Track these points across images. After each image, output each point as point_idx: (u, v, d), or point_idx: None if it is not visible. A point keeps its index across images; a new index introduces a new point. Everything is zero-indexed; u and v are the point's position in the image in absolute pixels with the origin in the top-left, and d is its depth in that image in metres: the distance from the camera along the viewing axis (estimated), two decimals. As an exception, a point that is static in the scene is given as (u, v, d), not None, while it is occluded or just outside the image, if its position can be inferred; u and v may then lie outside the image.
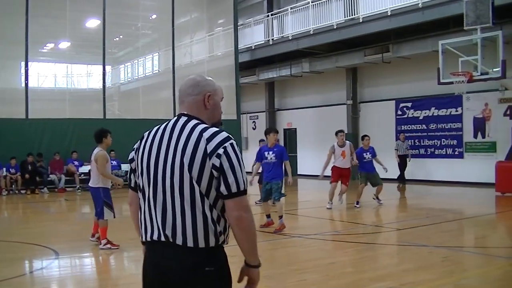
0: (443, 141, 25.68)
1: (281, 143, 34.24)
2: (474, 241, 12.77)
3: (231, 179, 3.25)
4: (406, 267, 9.29)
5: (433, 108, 26.43)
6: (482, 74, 19.00)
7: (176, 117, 3.59)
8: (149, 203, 3.44)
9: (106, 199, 11.76)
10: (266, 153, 13.35)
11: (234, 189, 3.26)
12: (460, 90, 19.83)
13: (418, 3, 22.93)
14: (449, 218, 15.50)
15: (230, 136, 3.40)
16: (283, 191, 13.70)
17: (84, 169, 24.03)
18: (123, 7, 30.11)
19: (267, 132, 13.73)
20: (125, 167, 27.24)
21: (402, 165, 25.29)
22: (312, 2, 28.47)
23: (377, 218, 15.56)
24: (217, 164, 3.25)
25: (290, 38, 29.78)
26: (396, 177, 25.04)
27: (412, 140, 27.00)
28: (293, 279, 8.59)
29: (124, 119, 28.79)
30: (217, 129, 3.43)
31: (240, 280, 3.50)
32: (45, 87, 32.31)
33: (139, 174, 3.58)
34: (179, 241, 3.28)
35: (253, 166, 14.56)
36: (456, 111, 25.44)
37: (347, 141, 18.31)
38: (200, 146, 3.28)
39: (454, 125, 25.48)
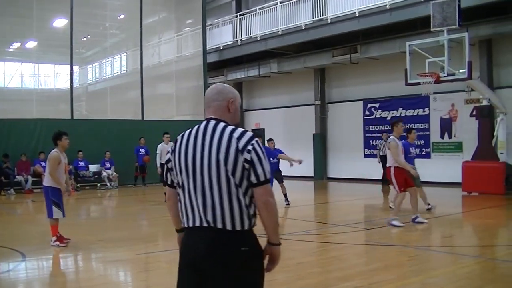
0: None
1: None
2: (441, 240, 12.88)
3: (259, 170, 3.89)
4: (374, 267, 9.34)
5: (400, 109, 26.63)
6: (448, 75, 19.13)
7: (205, 121, 4.13)
8: (190, 195, 4.00)
9: (54, 198, 11.64)
10: None
11: (262, 178, 3.89)
12: (427, 91, 19.96)
13: (386, 5, 23.09)
14: (417, 218, 15.61)
15: (255, 135, 4.02)
16: None
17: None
18: (91, 6, 29.90)
19: None
20: (93, 167, 27.10)
21: (385, 166, 25.20)
22: (280, 3, 28.54)
23: (345, 218, 15.60)
24: (248, 158, 3.88)
25: (258, 38, 29.81)
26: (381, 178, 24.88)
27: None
28: (262, 279, 8.58)
29: (92, 119, 28.60)
30: (243, 129, 4.04)
31: (263, 259, 4.08)
32: (11, 87, 31.92)
33: (177, 172, 4.09)
34: (219, 225, 3.87)
35: None
36: (423, 111, 25.67)
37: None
38: (232, 144, 3.89)
39: (421, 126, 25.69)
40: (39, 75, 31.03)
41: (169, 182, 4.28)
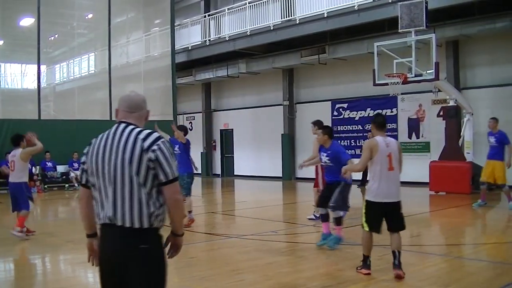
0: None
1: (218, 143, 34.66)
2: (409, 239, 12.95)
3: (167, 169, 4.12)
4: (343, 266, 9.38)
5: (368, 109, 26.77)
6: (416, 76, 19.29)
7: (117, 124, 4.35)
8: (101, 194, 4.23)
9: (28, 192, 12.52)
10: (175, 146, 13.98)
11: (170, 176, 4.14)
12: (395, 91, 20.11)
13: (354, 5, 23.19)
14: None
15: (161, 136, 4.23)
16: None
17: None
18: (58, 5, 29.57)
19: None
20: (60, 168, 26.89)
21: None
22: (249, 3, 28.54)
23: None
24: (153, 157, 4.09)
25: (227, 39, 29.79)
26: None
27: (348, 141, 27.33)
28: (230, 279, 8.59)
29: (59, 119, 28.33)
30: (150, 130, 4.25)
31: (166, 246, 4.37)
32: (-23, 87, 31.55)
33: (91, 173, 4.30)
34: (119, 222, 4.11)
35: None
36: (391, 112, 25.83)
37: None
38: (137, 144, 4.11)
39: (389, 126, 25.81)
40: (5, 74, 30.68)
41: (83, 182, 4.46)
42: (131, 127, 4.26)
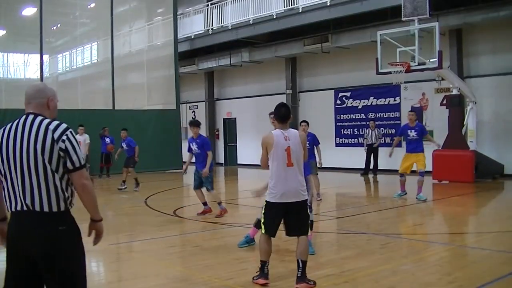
0: (382, 130, 25.96)
1: (221, 132, 34.67)
2: (412, 228, 12.99)
3: (74, 157, 4.43)
4: (346, 255, 9.38)
5: (371, 98, 26.75)
6: (419, 64, 19.27)
7: (25, 116, 4.56)
8: (12, 182, 4.43)
9: None
10: (191, 144, 14.22)
11: (77, 164, 4.44)
12: (398, 80, 20.09)
13: (357, -7, 23.15)
14: (388, 206, 15.74)
15: (68, 126, 4.57)
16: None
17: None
18: (60, -5, 29.64)
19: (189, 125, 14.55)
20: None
21: (372, 155, 25.29)
22: (252, -8, 28.48)
23: (316, 207, 15.63)
24: (63, 147, 4.39)
25: (229, 27, 29.72)
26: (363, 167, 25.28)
27: (351, 129, 27.32)
28: (234, 268, 8.61)
29: (62, 109, 28.10)
30: (59, 121, 4.55)
31: (89, 234, 4.80)
32: (-20, 77, 31.54)
33: (0, 162, 4.48)
34: (37, 208, 4.34)
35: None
36: (394, 100, 25.81)
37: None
38: (48, 135, 4.39)
39: (392, 114, 25.85)
40: (8, 64, 30.67)
41: None
42: (39, 118, 4.52)
